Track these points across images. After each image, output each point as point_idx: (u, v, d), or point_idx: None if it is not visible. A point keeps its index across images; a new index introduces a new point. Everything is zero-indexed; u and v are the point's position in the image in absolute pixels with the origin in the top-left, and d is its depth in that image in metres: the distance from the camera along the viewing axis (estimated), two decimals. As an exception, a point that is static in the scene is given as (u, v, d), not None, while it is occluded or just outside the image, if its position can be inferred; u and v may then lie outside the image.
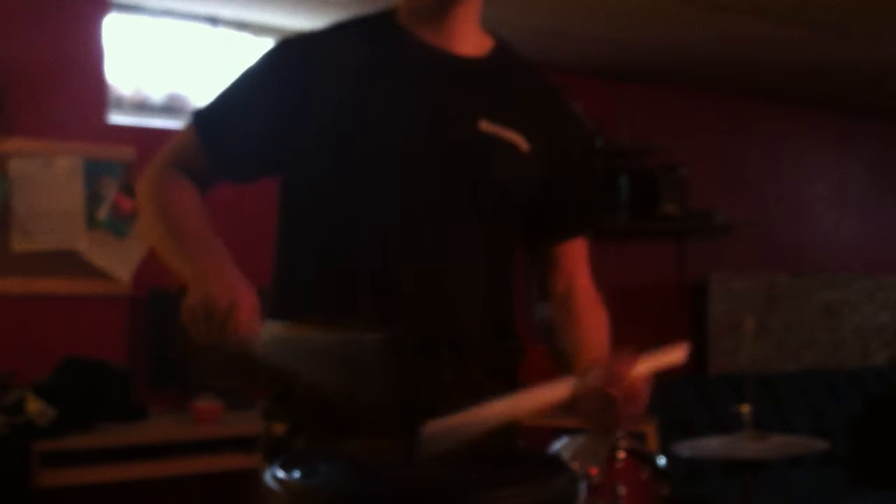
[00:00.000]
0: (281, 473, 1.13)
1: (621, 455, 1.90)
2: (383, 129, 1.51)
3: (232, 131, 1.56)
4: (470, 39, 1.58)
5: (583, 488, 1.47)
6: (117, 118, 3.89)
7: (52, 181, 3.67)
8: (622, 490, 1.84)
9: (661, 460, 1.95)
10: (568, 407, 1.41)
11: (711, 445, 3.07)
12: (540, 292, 1.69)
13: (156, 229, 1.52)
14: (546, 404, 1.36)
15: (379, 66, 1.54)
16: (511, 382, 1.62)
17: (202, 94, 4.06)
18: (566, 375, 1.41)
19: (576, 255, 1.68)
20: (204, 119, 1.59)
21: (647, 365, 1.38)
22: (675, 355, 1.41)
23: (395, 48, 1.56)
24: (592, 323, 1.61)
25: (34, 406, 3.16)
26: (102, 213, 3.77)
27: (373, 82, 1.52)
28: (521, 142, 1.57)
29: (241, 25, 4.12)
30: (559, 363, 1.57)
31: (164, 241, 1.50)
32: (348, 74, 1.52)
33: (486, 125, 1.54)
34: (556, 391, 1.36)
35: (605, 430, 1.43)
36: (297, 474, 1.14)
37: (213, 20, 4.06)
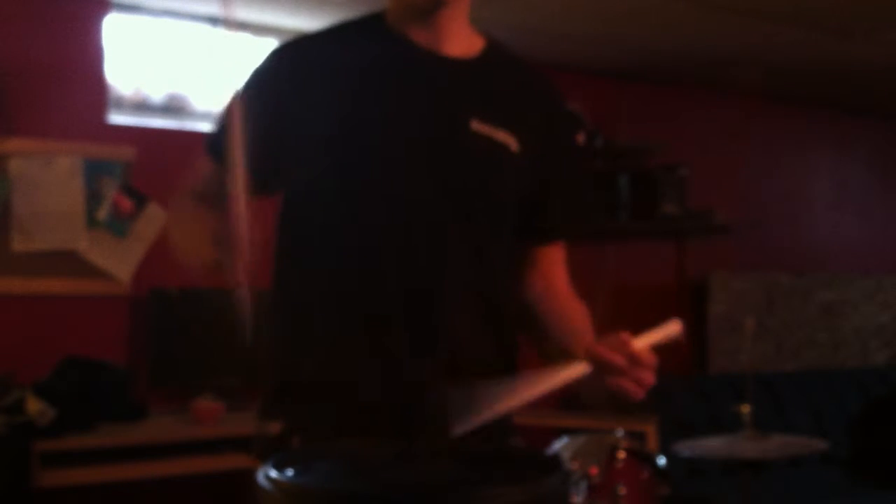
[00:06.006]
0: (274, 472, 1.13)
1: (621, 455, 1.90)
2: (375, 131, 1.52)
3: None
4: (460, 40, 1.59)
5: (582, 488, 1.47)
6: (117, 118, 3.89)
7: (52, 181, 3.68)
8: (622, 490, 1.84)
9: (661, 460, 1.95)
10: (575, 402, 1.43)
11: (711, 445, 3.07)
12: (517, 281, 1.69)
13: (182, 234, 1.57)
14: (563, 383, 1.38)
15: (369, 69, 1.55)
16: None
17: (202, 94, 4.06)
18: (559, 361, 1.43)
19: (553, 258, 1.69)
20: (213, 141, 1.60)
21: (645, 339, 1.41)
22: (672, 329, 1.43)
23: (385, 50, 1.56)
24: (578, 315, 1.62)
25: (34, 406, 3.17)
26: (102, 213, 3.77)
27: (364, 85, 1.53)
28: (512, 142, 1.57)
29: (241, 25, 4.12)
30: (547, 352, 1.58)
31: (189, 234, 1.54)
32: (339, 78, 1.53)
33: (477, 125, 1.54)
34: (570, 371, 1.38)
35: (617, 402, 1.45)
36: (290, 473, 1.14)
37: (213, 20, 4.06)
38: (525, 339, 1.67)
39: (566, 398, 3.46)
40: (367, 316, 1.50)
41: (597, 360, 1.38)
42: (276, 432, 1.56)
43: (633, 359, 1.38)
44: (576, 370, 1.38)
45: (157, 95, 4.02)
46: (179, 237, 1.57)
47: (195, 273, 1.50)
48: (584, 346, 1.41)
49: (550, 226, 1.67)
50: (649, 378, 1.40)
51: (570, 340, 1.53)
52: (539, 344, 1.64)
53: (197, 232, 1.51)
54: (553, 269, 1.69)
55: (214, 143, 1.61)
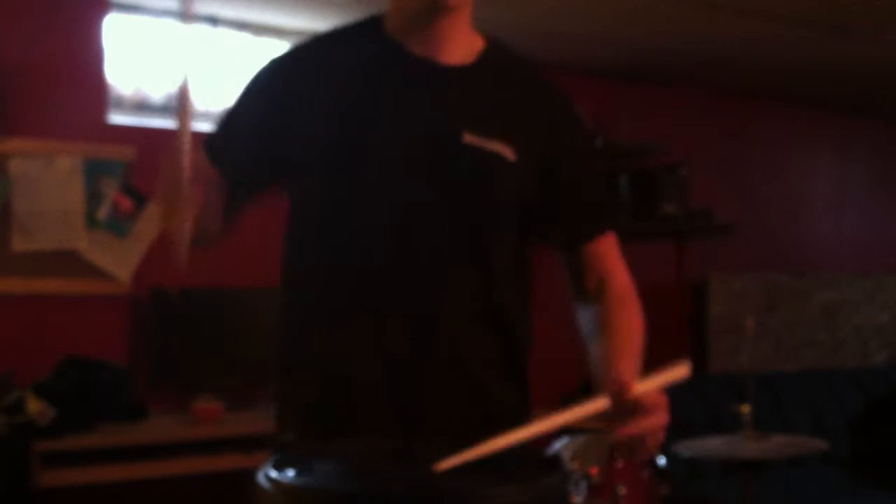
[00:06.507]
0: (274, 472, 1.13)
1: (621, 455, 1.90)
2: (368, 140, 1.52)
3: (234, 152, 1.58)
4: (458, 46, 1.57)
5: (582, 488, 1.47)
6: (117, 118, 3.89)
7: (52, 181, 3.67)
8: (622, 490, 1.84)
9: (661, 460, 1.95)
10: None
11: (711, 445, 3.07)
12: (576, 292, 1.65)
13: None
14: (579, 418, 1.32)
15: (364, 80, 1.54)
16: (518, 381, 1.62)
17: (202, 94, 4.06)
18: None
19: (604, 252, 1.64)
20: (210, 145, 1.61)
21: (651, 383, 1.36)
22: (679, 372, 1.38)
23: (381, 60, 1.56)
24: (622, 325, 1.57)
25: (34, 406, 3.16)
26: (102, 212, 3.77)
27: (357, 94, 1.53)
28: (507, 151, 1.55)
29: (241, 25, 4.12)
30: (595, 372, 1.54)
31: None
32: (334, 86, 1.54)
33: (469, 138, 1.53)
34: (587, 407, 1.33)
35: (631, 451, 1.42)
36: (290, 473, 1.14)
37: (213, 20, 4.06)
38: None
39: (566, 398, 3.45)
40: (368, 318, 1.50)
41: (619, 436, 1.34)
42: (289, 437, 1.57)
43: (642, 408, 1.33)
44: (593, 406, 1.32)
45: (157, 95, 4.02)
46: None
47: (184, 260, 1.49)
48: (604, 379, 1.38)
49: (582, 222, 1.64)
50: (663, 418, 1.36)
51: (602, 360, 1.50)
52: (589, 354, 1.59)
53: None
54: (607, 267, 1.63)
55: (210, 146, 1.62)
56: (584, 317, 1.63)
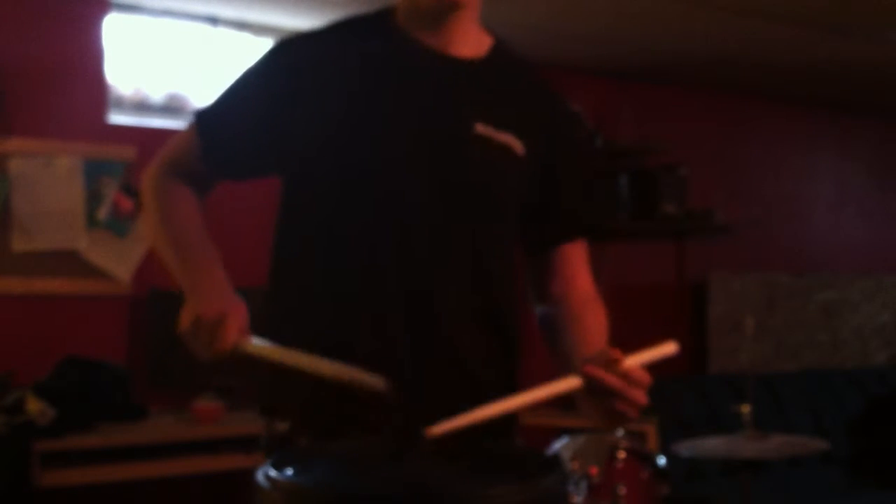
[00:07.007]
0: (272, 472, 1.13)
1: (621, 455, 1.90)
2: (379, 132, 1.51)
3: (229, 131, 1.58)
4: (468, 40, 1.58)
5: (582, 488, 1.47)
6: (117, 118, 3.89)
7: (52, 181, 3.67)
8: (622, 490, 1.84)
9: (661, 460, 1.95)
10: (574, 405, 1.41)
11: (711, 445, 3.07)
12: (538, 295, 1.68)
13: (157, 235, 1.59)
14: (547, 398, 1.35)
15: (376, 70, 1.54)
16: (510, 381, 1.62)
17: (202, 94, 4.06)
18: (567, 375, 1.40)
19: (575, 258, 1.67)
20: (203, 119, 1.62)
21: (638, 358, 1.37)
22: (667, 350, 1.39)
23: (392, 51, 1.55)
24: (590, 323, 1.59)
25: (34, 406, 3.17)
26: (102, 212, 3.77)
27: (370, 86, 1.53)
28: (516, 145, 1.56)
29: (241, 25, 4.12)
30: (559, 364, 1.57)
31: (164, 248, 1.56)
32: (345, 77, 1.53)
33: (481, 128, 1.53)
34: (557, 386, 1.36)
35: (612, 423, 1.42)
36: (289, 473, 1.14)
37: (213, 20, 4.06)
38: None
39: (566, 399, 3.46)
40: (367, 316, 1.50)
41: (590, 379, 1.34)
42: (282, 429, 1.56)
43: (626, 378, 1.34)
44: (566, 384, 1.35)
45: (157, 95, 4.02)
46: (151, 232, 1.62)
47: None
48: (579, 364, 1.38)
49: (564, 224, 1.66)
50: (642, 397, 1.35)
51: (574, 352, 1.51)
52: (550, 349, 1.62)
53: (168, 245, 1.56)
54: (573, 272, 1.65)
55: (203, 119, 1.62)
56: (548, 315, 1.64)
